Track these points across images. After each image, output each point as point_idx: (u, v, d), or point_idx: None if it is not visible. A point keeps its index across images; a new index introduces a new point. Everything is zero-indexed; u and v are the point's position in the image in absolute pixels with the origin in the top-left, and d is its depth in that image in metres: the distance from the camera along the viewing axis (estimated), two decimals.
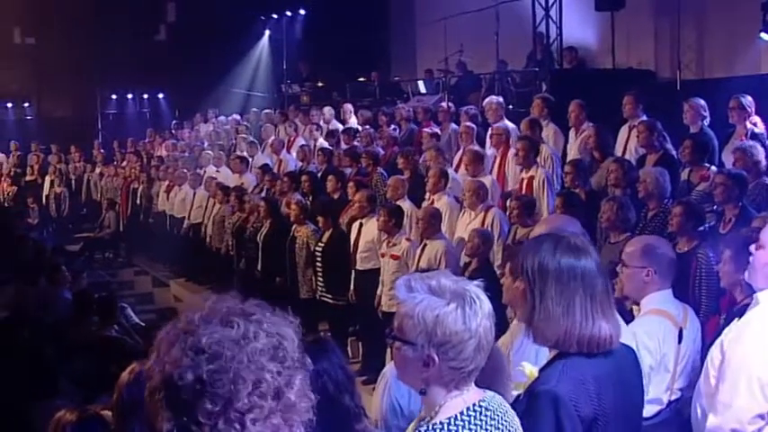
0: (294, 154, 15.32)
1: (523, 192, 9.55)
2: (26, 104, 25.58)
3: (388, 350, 8.59)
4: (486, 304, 2.49)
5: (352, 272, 10.33)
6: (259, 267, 12.21)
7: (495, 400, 2.59)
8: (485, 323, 2.47)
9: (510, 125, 11.25)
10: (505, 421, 2.57)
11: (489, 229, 8.99)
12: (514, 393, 3.09)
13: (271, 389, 1.84)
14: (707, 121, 9.46)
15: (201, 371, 1.81)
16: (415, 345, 2.47)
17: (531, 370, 3.03)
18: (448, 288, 2.47)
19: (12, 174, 22.08)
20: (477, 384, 2.57)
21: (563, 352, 2.96)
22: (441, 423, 2.48)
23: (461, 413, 2.49)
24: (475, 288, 2.50)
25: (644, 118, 9.72)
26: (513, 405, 2.84)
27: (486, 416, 2.51)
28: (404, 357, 2.52)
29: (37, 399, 6.46)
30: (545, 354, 3.13)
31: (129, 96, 25.79)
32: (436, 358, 2.45)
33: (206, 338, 1.83)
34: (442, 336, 2.43)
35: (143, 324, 9.21)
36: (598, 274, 3.00)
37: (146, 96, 25.79)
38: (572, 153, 10.46)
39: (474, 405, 2.51)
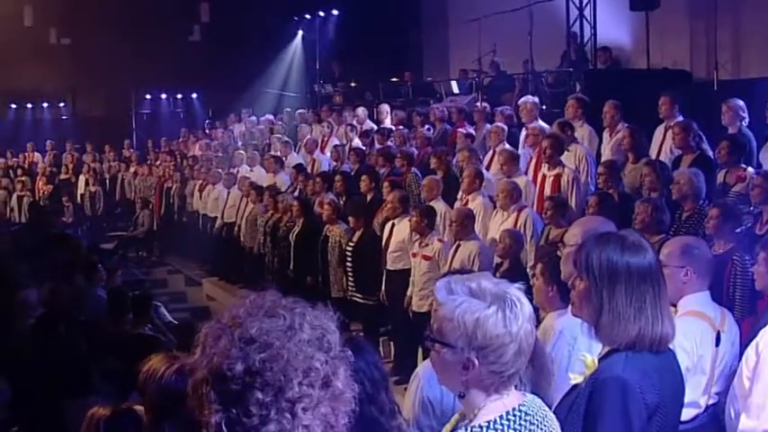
0: (328, 154, 15.34)
1: (548, 190, 9.51)
2: (61, 104, 25.84)
3: (420, 350, 8.58)
4: (527, 307, 2.46)
5: (384, 272, 10.32)
6: (291, 266, 12.23)
7: (535, 404, 2.56)
8: (526, 326, 2.44)
9: (545, 126, 11.19)
10: (545, 425, 2.54)
11: (522, 229, 8.95)
12: (572, 382, 3.08)
13: (319, 378, 1.84)
14: (746, 122, 9.36)
15: (252, 361, 1.81)
16: (455, 348, 2.43)
17: (591, 360, 3.04)
18: (488, 290, 2.44)
19: (47, 173, 22.30)
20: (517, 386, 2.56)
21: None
22: (480, 426, 2.45)
23: (501, 417, 2.46)
24: (516, 291, 2.47)
25: (680, 119, 9.63)
26: (570, 394, 2.88)
27: (525, 420, 2.48)
28: (443, 360, 2.49)
29: (71, 395, 6.50)
30: (580, 353, 3.13)
31: (163, 96, 25.96)
32: (476, 362, 2.42)
33: (254, 330, 1.83)
34: (483, 339, 2.40)
35: (176, 322, 9.26)
36: (659, 271, 3.03)
37: (179, 96, 25.95)
38: (606, 154, 10.38)
39: (514, 409, 2.48)
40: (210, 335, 1.88)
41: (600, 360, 3.01)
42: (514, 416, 2.47)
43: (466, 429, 2.48)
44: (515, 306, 2.43)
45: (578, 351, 3.30)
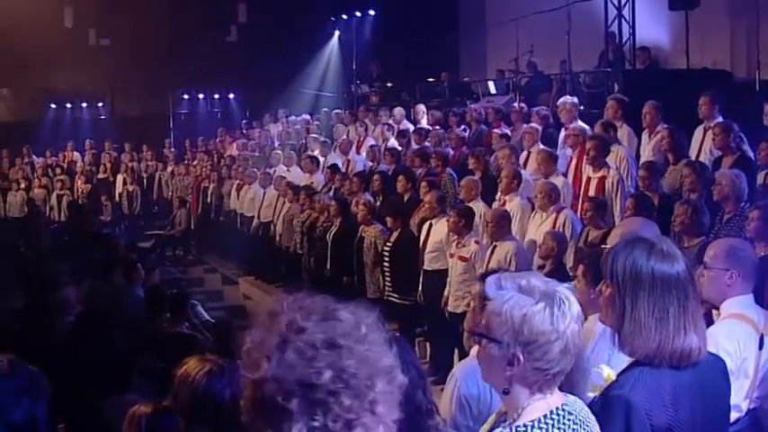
0: (363, 154, 15.35)
1: (592, 192, 9.44)
2: (100, 104, 26.10)
3: (456, 350, 8.56)
4: (575, 307, 2.44)
5: (420, 272, 10.31)
6: (328, 266, 12.25)
7: (578, 405, 2.55)
8: (573, 326, 2.42)
9: (585, 126, 11.11)
10: (587, 426, 2.52)
11: (561, 230, 8.89)
12: (590, 396, 3.03)
13: (395, 376, 1.85)
14: None
15: (340, 366, 1.78)
16: (501, 343, 2.43)
17: (608, 373, 2.97)
18: (537, 288, 2.44)
19: (86, 172, 22.51)
20: (559, 387, 2.53)
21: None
22: (524, 426, 2.45)
23: (544, 416, 2.45)
24: (565, 290, 2.46)
25: (720, 119, 9.52)
26: (588, 407, 2.79)
27: (568, 420, 2.46)
28: (489, 355, 2.48)
29: (109, 392, 6.54)
30: (618, 358, 3.07)
31: (201, 96, 26.13)
32: (521, 357, 2.41)
33: (323, 335, 1.80)
34: (529, 335, 2.39)
35: (213, 321, 9.29)
36: (690, 280, 2.91)
37: (217, 96, 26.11)
38: (645, 155, 10.28)
39: (557, 409, 2.47)
40: (271, 344, 1.81)
41: (619, 374, 2.94)
42: (558, 415, 2.46)
43: (510, 429, 2.46)
44: (563, 304, 2.42)
45: (619, 355, 3.23)
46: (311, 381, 1.77)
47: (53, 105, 25.46)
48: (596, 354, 4.39)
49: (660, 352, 2.84)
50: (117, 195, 21.68)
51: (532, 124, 11.79)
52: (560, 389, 2.54)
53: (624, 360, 3.01)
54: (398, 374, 1.86)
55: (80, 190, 21.98)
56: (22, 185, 21.83)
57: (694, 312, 2.90)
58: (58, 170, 22.89)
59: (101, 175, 22.67)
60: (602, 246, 5.00)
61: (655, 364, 2.85)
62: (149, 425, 3.54)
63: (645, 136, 10.54)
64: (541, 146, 11.09)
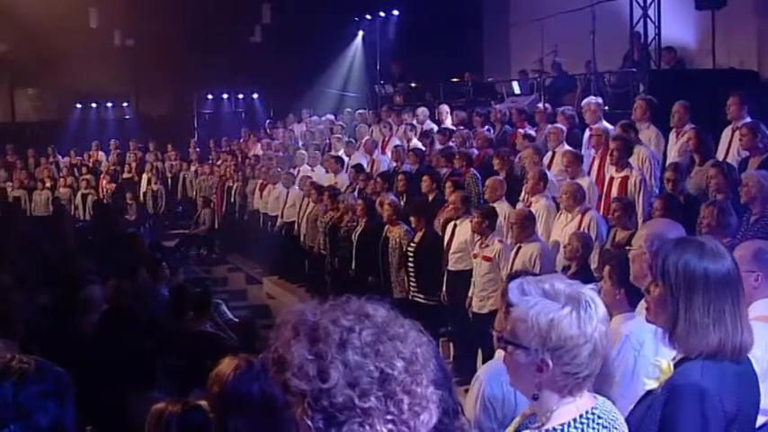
0: (388, 154, 15.34)
1: (614, 192, 9.39)
2: (125, 104, 26.22)
3: (480, 351, 8.52)
4: (601, 308, 2.43)
5: (445, 272, 10.29)
6: (353, 266, 12.25)
7: (607, 407, 2.53)
8: (600, 328, 2.41)
9: (609, 126, 11.05)
10: (616, 429, 2.50)
11: (586, 231, 8.84)
12: (647, 388, 3.02)
13: (434, 372, 1.87)
14: None
15: (403, 353, 1.80)
16: (529, 349, 2.42)
17: (667, 365, 2.97)
18: (562, 291, 2.42)
19: (111, 171, 22.63)
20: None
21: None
22: (553, 429, 2.44)
23: (574, 420, 2.44)
24: (590, 292, 2.45)
25: (748, 120, 9.44)
26: (644, 399, 2.83)
27: (598, 423, 2.45)
28: (516, 362, 2.47)
29: (134, 390, 6.57)
30: (645, 360, 3.06)
31: (225, 96, 26.19)
32: (550, 363, 2.40)
33: (372, 328, 1.81)
34: (557, 340, 2.38)
35: (236, 320, 9.31)
36: (738, 278, 2.95)
37: (241, 96, 26.16)
38: (672, 155, 10.22)
39: (587, 412, 2.46)
40: (328, 351, 1.79)
41: (675, 365, 2.94)
42: (588, 419, 2.45)
43: None
44: (590, 307, 2.40)
45: (645, 356, 3.21)
46: (386, 372, 1.77)
47: (78, 105, 25.60)
48: (622, 356, 4.37)
49: (723, 349, 2.87)
50: (141, 195, 21.77)
51: (557, 124, 11.74)
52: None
53: (651, 362, 3.00)
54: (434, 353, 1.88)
55: (105, 189, 22.09)
56: (48, 185, 21.97)
57: (744, 308, 2.94)
58: (83, 169, 23.01)
59: (126, 175, 22.79)
60: (627, 247, 4.98)
61: (717, 359, 2.88)
62: (179, 423, 3.55)
63: (672, 136, 10.47)
64: (566, 146, 11.04)
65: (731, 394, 2.84)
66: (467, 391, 4.57)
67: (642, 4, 13.89)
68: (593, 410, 2.46)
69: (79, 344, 6.99)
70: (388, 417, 1.77)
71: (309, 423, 1.79)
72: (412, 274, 10.77)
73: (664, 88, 12.44)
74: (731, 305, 2.88)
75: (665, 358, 3.03)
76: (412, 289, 10.77)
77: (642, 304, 4.08)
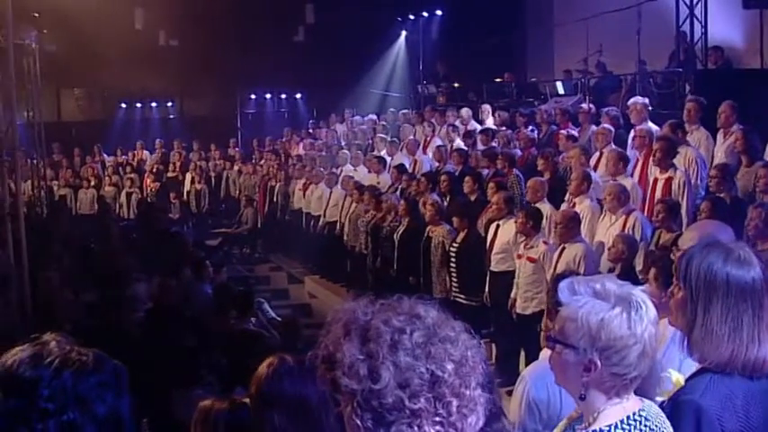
0: (430, 154, 15.32)
1: (658, 194, 9.29)
2: (169, 104, 26.47)
3: (522, 352, 8.46)
4: (651, 310, 2.40)
5: (487, 273, 10.25)
6: (395, 266, 12.25)
7: (653, 410, 2.50)
8: (650, 329, 2.39)
9: (653, 127, 10.93)
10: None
11: (630, 233, 8.75)
12: (658, 400, 2.97)
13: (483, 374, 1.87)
14: None
15: (453, 354, 1.81)
16: (577, 348, 2.40)
17: (677, 378, 2.91)
18: (613, 292, 2.40)
19: (155, 170, 22.84)
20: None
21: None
22: (600, 430, 2.42)
23: (621, 421, 2.41)
24: (640, 293, 2.42)
25: None
26: None
27: (645, 426, 2.43)
28: (564, 361, 2.45)
29: (178, 386, 6.63)
30: (689, 362, 3.00)
31: (268, 96, 26.33)
32: (598, 363, 2.38)
33: (423, 330, 1.81)
34: (606, 340, 2.36)
35: (279, 319, 9.36)
36: (765, 289, 2.80)
37: (284, 96, 26.29)
38: (719, 156, 10.09)
39: (634, 414, 2.43)
40: (379, 352, 1.80)
41: (688, 378, 2.86)
42: (635, 420, 2.42)
43: None
44: (640, 308, 2.38)
45: (685, 363, 3.14)
46: (437, 374, 1.77)
47: (123, 105, 25.89)
48: (668, 358, 4.31)
49: (733, 361, 2.75)
50: (185, 194, 21.94)
51: (605, 125, 11.62)
52: (634, 393, 2.49)
53: (693, 366, 2.93)
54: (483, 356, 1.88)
55: (149, 188, 22.29)
56: (93, 183, 22.21)
57: (767, 322, 2.79)
58: (127, 168, 23.27)
59: (170, 174, 22.96)
60: (674, 249, 4.90)
61: (726, 372, 2.77)
62: (227, 420, 3.56)
63: (720, 137, 10.33)
64: (614, 147, 10.94)
65: (735, 413, 2.71)
66: (508, 392, 4.54)
67: (688, 3, 13.74)
68: (641, 412, 2.44)
69: (124, 341, 7.07)
70: (437, 418, 1.77)
71: (358, 422, 1.79)
72: (454, 274, 10.75)
73: (710, 88, 12.28)
74: (751, 316, 2.75)
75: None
76: (453, 289, 10.75)
77: None
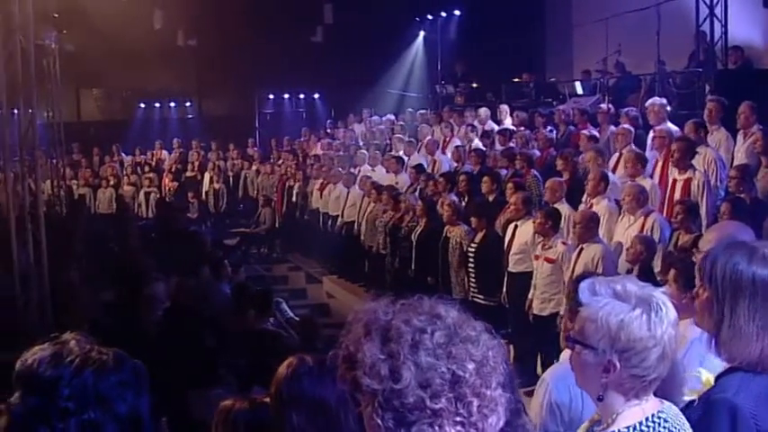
0: (449, 154, 15.30)
1: (677, 194, 9.24)
2: (188, 104, 26.55)
3: (540, 353, 8.43)
4: (671, 312, 2.40)
5: (505, 273, 10.23)
6: (413, 266, 12.24)
7: (672, 411, 2.50)
8: (670, 331, 2.38)
9: (673, 128, 10.88)
10: None
11: (649, 234, 8.71)
12: (687, 399, 2.95)
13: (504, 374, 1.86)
14: None
15: (474, 354, 1.80)
16: (597, 349, 2.40)
17: (707, 377, 2.88)
18: (633, 293, 2.39)
19: (173, 170, 22.92)
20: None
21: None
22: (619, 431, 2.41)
23: (640, 423, 2.41)
24: (661, 294, 2.42)
25: None
26: (685, 411, 2.72)
27: (664, 428, 2.42)
28: (584, 362, 2.45)
29: (196, 386, 6.63)
30: (711, 363, 2.97)
31: (286, 96, 26.37)
32: (618, 364, 2.38)
33: (444, 329, 1.81)
34: (626, 341, 2.36)
35: (297, 318, 9.35)
36: None
37: (302, 96, 26.33)
38: (739, 157, 10.03)
39: (653, 416, 2.43)
40: (401, 351, 1.79)
41: (717, 377, 2.84)
42: (654, 422, 2.41)
43: None
44: (661, 310, 2.37)
45: (712, 362, 3.11)
46: (458, 375, 1.77)
47: (142, 105, 26.00)
48: (688, 359, 4.29)
49: (763, 360, 2.74)
50: (203, 193, 22.01)
51: (625, 125, 11.57)
52: (654, 394, 2.48)
53: (717, 365, 2.91)
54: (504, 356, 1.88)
55: (167, 187, 22.37)
56: (112, 182, 22.29)
57: None
58: (146, 168, 23.36)
59: (188, 174, 23.03)
60: (694, 250, 4.87)
61: (757, 371, 2.75)
62: (247, 420, 3.56)
63: (740, 137, 10.27)
64: (633, 147, 10.89)
65: None
66: (526, 393, 4.52)
67: (708, 2, 13.68)
68: (660, 414, 2.43)
69: (142, 341, 7.08)
70: (458, 418, 1.77)
71: (379, 422, 1.78)
72: (472, 274, 10.74)
73: (730, 88, 12.22)
74: None
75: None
76: (471, 289, 10.74)
77: None
